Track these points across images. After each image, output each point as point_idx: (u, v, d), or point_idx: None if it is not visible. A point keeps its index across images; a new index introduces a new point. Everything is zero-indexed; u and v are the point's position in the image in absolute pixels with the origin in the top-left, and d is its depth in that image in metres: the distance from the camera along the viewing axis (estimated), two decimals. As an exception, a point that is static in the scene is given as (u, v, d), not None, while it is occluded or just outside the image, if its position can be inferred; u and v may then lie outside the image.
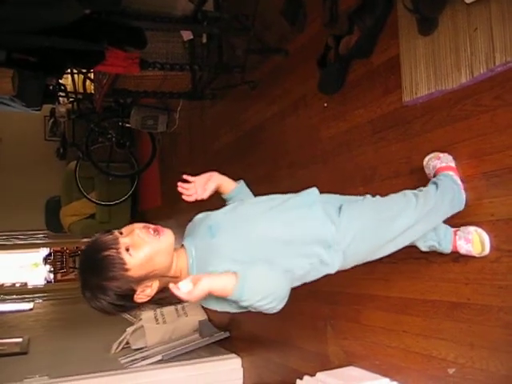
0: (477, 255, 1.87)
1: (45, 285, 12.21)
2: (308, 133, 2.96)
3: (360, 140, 2.52)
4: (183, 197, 1.61)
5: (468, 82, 1.92)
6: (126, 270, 1.35)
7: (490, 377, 1.86)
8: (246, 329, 3.93)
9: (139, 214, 6.86)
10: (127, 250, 1.36)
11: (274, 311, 1.43)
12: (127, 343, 4.60)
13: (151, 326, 4.53)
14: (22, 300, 9.38)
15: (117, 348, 4.56)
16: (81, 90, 5.26)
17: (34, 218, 7.64)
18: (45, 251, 12.53)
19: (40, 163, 7.89)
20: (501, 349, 1.82)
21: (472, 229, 1.87)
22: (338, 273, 2.64)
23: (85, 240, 11.61)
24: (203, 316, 4.55)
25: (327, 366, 2.70)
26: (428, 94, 2.10)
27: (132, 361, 4.11)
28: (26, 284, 12.23)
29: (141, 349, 4.44)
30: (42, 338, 5.56)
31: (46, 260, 12.52)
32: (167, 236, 1.43)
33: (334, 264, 1.57)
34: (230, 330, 4.15)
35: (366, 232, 1.62)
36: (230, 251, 1.45)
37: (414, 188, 1.83)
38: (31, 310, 7.87)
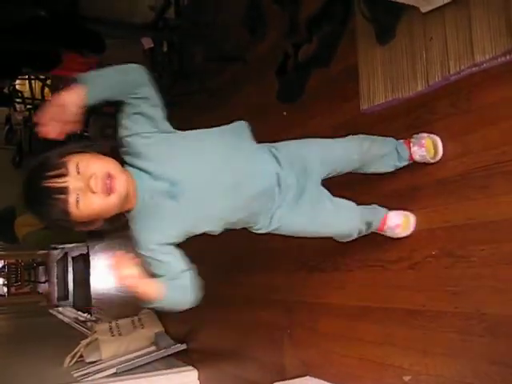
0: (431, 160, 1.87)
1: (-3, 298, 11.89)
2: (268, 140, 2.94)
3: (318, 148, 2.51)
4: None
5: (424, 90, 1.94)
6: (68, 219, 1.24)
7: (444, 383, 1.86)
8: (203, 340, 3.87)
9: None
10: (77, 199, 1.22)
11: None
12: (81, 356, 4.48)
13: (106, 339, 4.43)
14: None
15: (70, 361, 4.43)
16: (39, 97, 5.16)
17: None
18: (-2, 264, 12.23)
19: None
20: (454, 355, 1.83)
21: (425, 135, 1.88)
22: (295, 279, 2.65)
23: (41, 252, 11.37)
24: (160, 328, 4.47)
25: (284, 376, 2.67)
26: (385, 101, 2.11)
27: (85, 374, 4.00)
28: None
29: (95, 362, 4.32)
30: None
31: (-1, 273, 12.21)
32: (117, 195, 1.27)
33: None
34: (187, 342, 4.08)
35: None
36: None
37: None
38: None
